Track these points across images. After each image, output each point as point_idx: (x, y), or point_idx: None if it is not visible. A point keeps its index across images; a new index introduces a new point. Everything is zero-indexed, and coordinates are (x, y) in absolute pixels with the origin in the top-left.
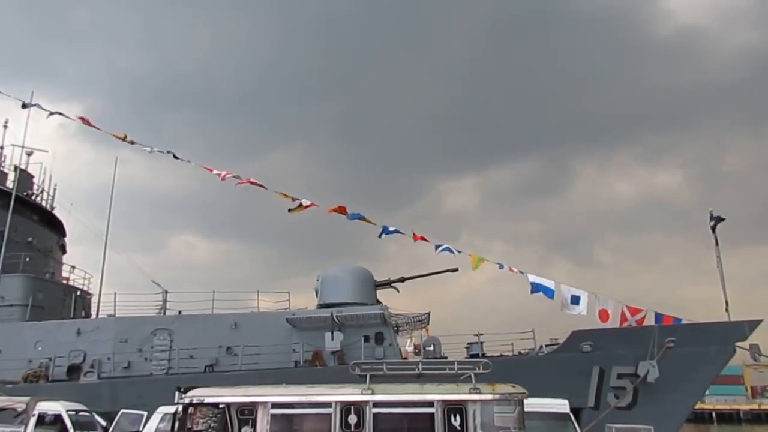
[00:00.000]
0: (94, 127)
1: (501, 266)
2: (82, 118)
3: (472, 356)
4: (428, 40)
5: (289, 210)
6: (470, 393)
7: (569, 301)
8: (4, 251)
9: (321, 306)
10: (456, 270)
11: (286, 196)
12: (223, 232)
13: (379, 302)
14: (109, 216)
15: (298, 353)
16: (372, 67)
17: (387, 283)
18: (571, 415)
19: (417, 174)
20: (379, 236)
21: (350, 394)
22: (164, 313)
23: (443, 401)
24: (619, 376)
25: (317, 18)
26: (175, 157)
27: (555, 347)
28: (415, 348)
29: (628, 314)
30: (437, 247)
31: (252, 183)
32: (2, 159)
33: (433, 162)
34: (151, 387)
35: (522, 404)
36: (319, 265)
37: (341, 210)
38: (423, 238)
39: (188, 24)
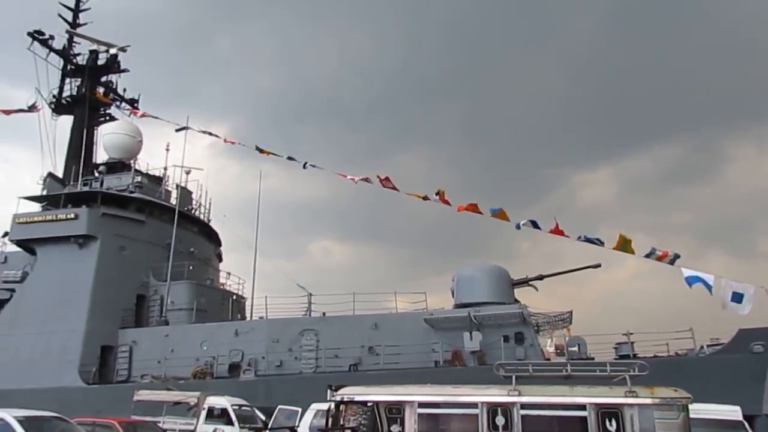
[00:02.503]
0: (241, 145)
1: (651, 252)
2: (228, 140)
3: (621, 357)
4: (551, 28)
5: (424, 198)
6: (626, 396)
7: (729, 298)
8: (172, 261)
9: (458, 306)
10: (598, 266)
11: (419, 196)
12: (357, 236)
13: (517, 301)
14: (257, 225)
15: (438, 353)
16: (495, 63)
17: (525, 282)
18: (745, 423)
19: (547, 169)
20: (517, 227)
21: (497, 395)
22: (309, 315)
23: (597, 404)
24: None
25: (438, 19)
26: (306, 166)
27: (718, 347)
28: (556, 348)
29: None
30: (579, 237)
31: (385, 186)
32: (166, 179)
33: (564, 155)
34: (302, 384)
35: (687, 410)
36: (451, 264)
37: (473, 208)
38: (560, 232)
39: (317, 40)
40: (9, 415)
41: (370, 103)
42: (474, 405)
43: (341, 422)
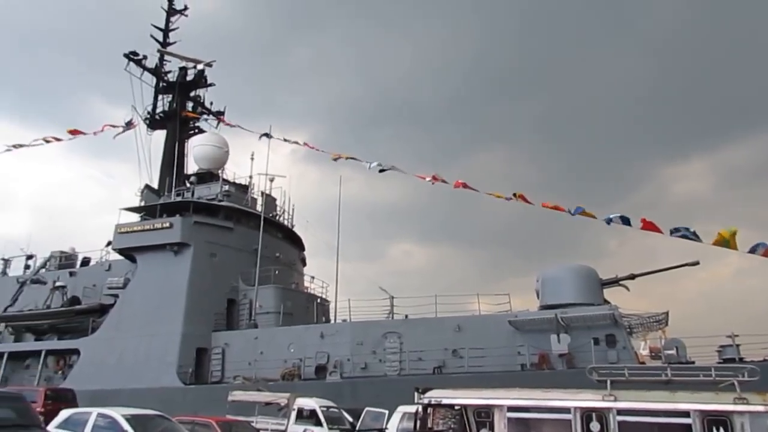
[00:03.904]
0: (319, 151)
1: (757, 246)
2: (307, 145)
3: (726, 361)
4: (630, 16)
5: (508, 198)
6: (736, 403)
7: None
8: (259, 266)
9: (543, 307)
10: (697, 263)
11: (500, 196)
12: (436, 238)
13: (607, 302)
14: (338, 230)
15: (523, 356)
16: (572, 57)
17: (615, 281)
18: None
19: (634, 163)
20: (608, 223)
21: (591, 400)
22: (392, 318)
23: (702, 411)
24: None
25: (511, 14)
26: (383, 170)
27: None
28: (651, 351)
29: None
30: (673, 231)
31: (465, 186)
32: (252, 187)
33: (652, 149)
34: (387, 387)
35: None
36: (534, 265)
37: (556, 207)
38: (653, 226)
39: (391, 44)
40: (118, 414)
41: (445, 104)
42: (566, 410)
43: (430, 425)
